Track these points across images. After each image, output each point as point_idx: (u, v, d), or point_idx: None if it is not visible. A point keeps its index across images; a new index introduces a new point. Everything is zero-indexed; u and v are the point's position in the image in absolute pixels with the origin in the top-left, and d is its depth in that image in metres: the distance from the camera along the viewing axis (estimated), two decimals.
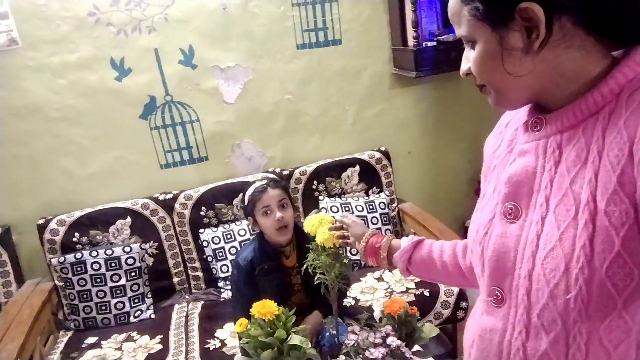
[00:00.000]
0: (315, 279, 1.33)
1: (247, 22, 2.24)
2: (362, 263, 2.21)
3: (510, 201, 0.68)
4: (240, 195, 1.75)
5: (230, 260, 2.12)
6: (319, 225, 1.30)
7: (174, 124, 2.28)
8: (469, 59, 0.67)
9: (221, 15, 2.20)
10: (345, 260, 1.31)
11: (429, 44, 2.27)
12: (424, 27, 2.31)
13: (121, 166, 2.25)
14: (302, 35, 2.33)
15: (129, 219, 2.16)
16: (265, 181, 1.66)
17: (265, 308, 1.25)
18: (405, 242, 1.00)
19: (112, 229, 2.14)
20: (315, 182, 2.37)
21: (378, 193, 2.43)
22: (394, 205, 2.45)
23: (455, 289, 1.97)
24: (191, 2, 2.15)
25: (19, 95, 2.08)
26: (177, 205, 2.21)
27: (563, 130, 0.64)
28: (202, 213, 2.23)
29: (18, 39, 2.02)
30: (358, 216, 2.27)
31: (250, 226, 2.14)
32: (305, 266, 1.35)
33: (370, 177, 2.44)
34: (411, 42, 2.23)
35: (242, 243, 2.15)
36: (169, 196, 2.22)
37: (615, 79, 0.60)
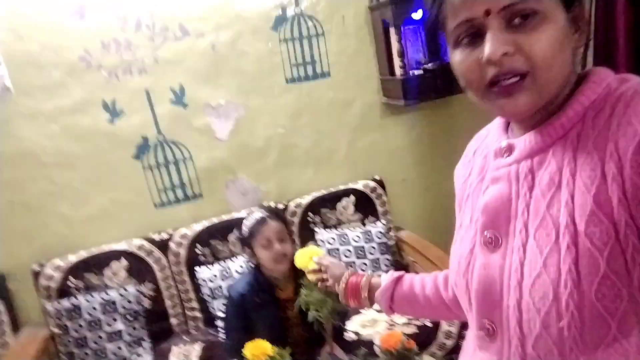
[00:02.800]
0: (309, 315, 1.31)
1: (236, 60, 2.28)
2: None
3: (489, 229, 0.66)
4: (240, 228, 1.73)
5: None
6: (309, 260, 1.28)
7: (167, 163, 2.28)
8: (505, 41, 0.57)
9: (210, 54, 2.24)
10: (337, 294, 1.29)
11: (416, 72, 2.30)
12: (410, 56, 2.35)
13: (116, 207, 2.25)
14: (290, 70, 2.36)
15: (124, 261, 2.14)
16: (264, 212, 1.65)
17: (258, 348, 1.22)
18: (385, 279, 0.97)
19: (107, 271, 2.12)
20: (310, 214, 2.36)
21: (374, 222, 2.41)
22: (392, 233, 2.43)
23: None
24: (180, 43, 2.19)
25: (13, 142, 2.10)
26: (172, 245, 2.19)
27: (533, 155, 0.63)
28: (197, 251, 2.21)
29: (11, 87, 2.05)
30: (355, 247, 2.25)
31: (246, 258, 2.12)
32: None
33: (365, 206, 2.43)
34: (398, 71, 2.26)
35: None
36: (164, 236, 2.21)
37: (579, 101, 0.60)
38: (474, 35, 0.60)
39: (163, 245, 2.19)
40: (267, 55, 2.31)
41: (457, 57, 0.63)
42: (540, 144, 0.62)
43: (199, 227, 2.24)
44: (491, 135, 0.75)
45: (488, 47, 0.57)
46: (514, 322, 0.61)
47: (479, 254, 0.67)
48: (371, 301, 1.00)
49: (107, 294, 2.03)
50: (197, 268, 2.18)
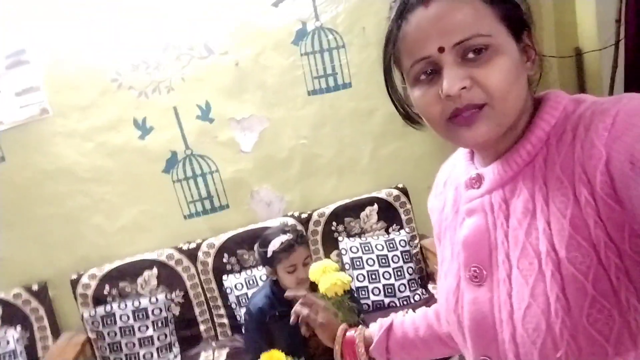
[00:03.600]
0: None
1: (259, 75, 2.35)
2: (370, 306, 2.20)
3: (472, 264, 0.66)
4: (259, 242, 1.78)
5: None
6: (322, 273, 1.31)
7: (194, 176, 2.38)
8: (462, 76, 0.58)
9: (234, 70, 2.32)
10: (350, 308, 1.31)
11: None
12: None
13: (147, 219, 2.36)
14: (312, 82, 2.41)
15: (155, 270, 2.24)
16: (290, 236, 1.68)
17: (272, 359, 1.27)
18: (376, 331, 0.92)
19: (139, 280, 2.22)
20: (334, 223, 2.40)
21: (398, 230, 2.42)
22: (416, 241, 2.43)
23: None
24: (205, 61, 2.28)
25: (52, 159, 2.24)
26: (200, 254, 2.28)
27: (503, 184, 0.64)
28: (224, 260, 2.29)
29: (49, 108, 2.19)
30: (378, 255, 2.27)
31: (266, 274, 2.18)
32: None
33: (389, 215, 2.44)
34: None
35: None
36: (192, 245, 2.30)
37: (540, 126, 0.61)
38: (431, 71, 0.61)
39: (192, 255, 2.28)
40: (289, 69, 2.37)
41: (416, 94, 0.63)
42: (508, 172, 0.63)
43: (225, 236, 2.31)
44: (458, 165, 0.75)
45: (446, 83, 0.58)
46: (512, 355, 0.61)
47: (466, 290, 0.67)
48: (369, 357, 0.93)
49: (139, 301, 2.13)
50: (224, 276, 2.26)
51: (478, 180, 0.67)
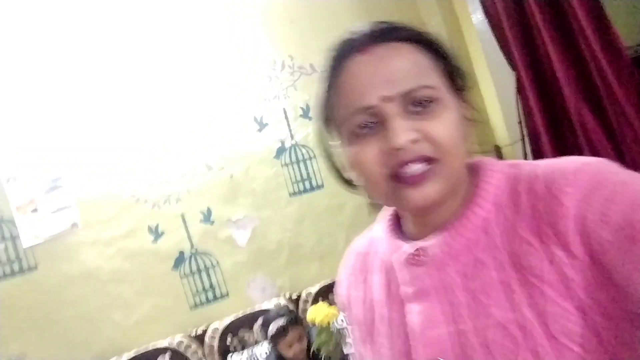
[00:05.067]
0: (321, 356, 1.73)
1: (249, 184, 2.93)
2: None
3: (435, 358, 0.57)
4: (260, 321, 2.21)
5: None
6: (317, 311, 1.74)
7: (199, 271, 2.81)
8: (410, 127, 0.54)
9: (229, 181, 2.89)
10: (338, 330, 1.72)
11: None
12: None
13: (158, 311, 2.72)
14: (292, 186, 3.00)
15: (167, 357, 2.55)
16: (285, 320, 2.14)
17: None
18: None
19: None
20: (320, 298, 2.81)
21: None
22: None
23: None
24: (206, 176, 2.86)
25: (77, 265, 2.65)
26: (206, 338, 2.61)
27: (456, 256, 0.57)
28: (228, 342, 2.62)
29: (79, 222, 2.67)
30: None
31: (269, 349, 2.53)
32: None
33: None
34: None
35: None
36: (199, 331, 2.64)
37: (487, 190, 0.58)
38: (371, 124, 0.56)
39: (199, 339, 2.61)
40: (273, 177, 2.97)
41: (354, 150, 0.57)
42: (460, 241, 0.57)
43: (227, 320, 2.67)
44: (379, 244, 0.69)
45: (394, 134, 0.53)
46: None
47: None
48: None
49: None
50: (228, 356, 2.57)
51: (419, 255, 0.60)
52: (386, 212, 0.74)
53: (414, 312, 0.59)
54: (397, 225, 0.70)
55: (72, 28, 2.73)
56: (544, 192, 0.53)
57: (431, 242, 0.59)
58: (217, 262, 2.84)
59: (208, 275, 2.82)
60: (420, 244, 0.60)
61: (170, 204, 2.80)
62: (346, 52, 0.58)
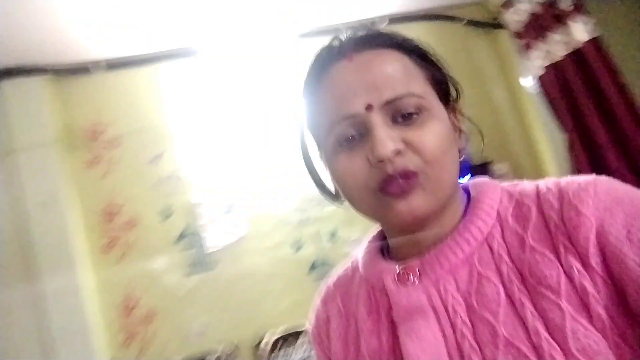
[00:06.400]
0: None
1: None
2: None
3: None
4: None
5: None
6: None
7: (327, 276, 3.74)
8: (395, 137, 0.52)
9: (349, 208, 3.86)
10: None
11: None
12: None
13: (298, 304, 3.62)
14: None
15: (304, 336, 3.46)
16: None
17: None
18: None
19: None
20: None
21: None
22: None
23: None
24: (333, 205, 3.84)
25: (243, 267, 3.65)
26: None
27: (453, 271, 0.55)
28: None
29: (246, 236, 3.71)
30: None
31: None
32: None
33: None
34: None
35: None
36: None
37: (487, 203, 0.57)
38: (354, 135, 0.55)
39: None
40: None
41: (337, 162, 0.57)
42: (459, 255, 0.55)
43: None
44: (365, 264, 0.66)
45: (379, 144, 0.52)
46: None
47: None
48: None
49: None
50: None
51: (415, 272, 0.58)
52: (365, 242, 0.74)
53: (410, 335, 0.56)
54: (383, 249, 0.67)
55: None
56: (559, 203, 0.52)
57: (427, 258, 0.58)
58: None
59: None
60: (414, 260, 0.59)
61: (307, 225, 3.82)
62: (330, 58, 0.57)
